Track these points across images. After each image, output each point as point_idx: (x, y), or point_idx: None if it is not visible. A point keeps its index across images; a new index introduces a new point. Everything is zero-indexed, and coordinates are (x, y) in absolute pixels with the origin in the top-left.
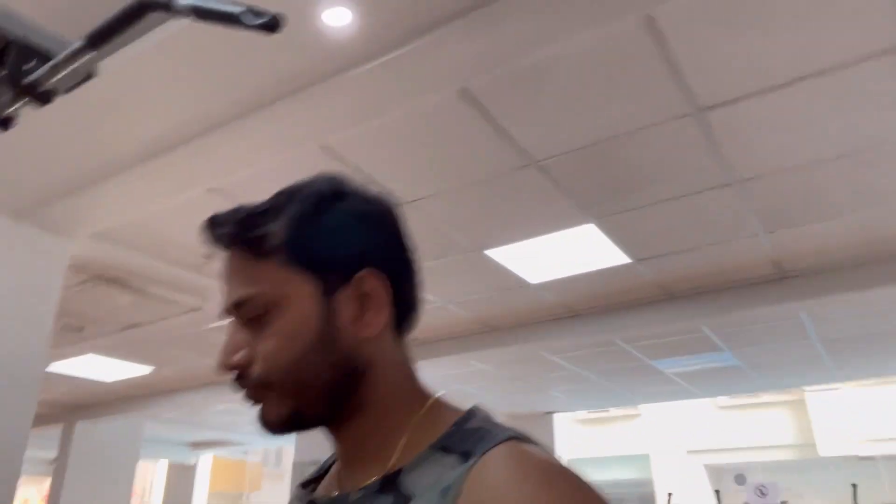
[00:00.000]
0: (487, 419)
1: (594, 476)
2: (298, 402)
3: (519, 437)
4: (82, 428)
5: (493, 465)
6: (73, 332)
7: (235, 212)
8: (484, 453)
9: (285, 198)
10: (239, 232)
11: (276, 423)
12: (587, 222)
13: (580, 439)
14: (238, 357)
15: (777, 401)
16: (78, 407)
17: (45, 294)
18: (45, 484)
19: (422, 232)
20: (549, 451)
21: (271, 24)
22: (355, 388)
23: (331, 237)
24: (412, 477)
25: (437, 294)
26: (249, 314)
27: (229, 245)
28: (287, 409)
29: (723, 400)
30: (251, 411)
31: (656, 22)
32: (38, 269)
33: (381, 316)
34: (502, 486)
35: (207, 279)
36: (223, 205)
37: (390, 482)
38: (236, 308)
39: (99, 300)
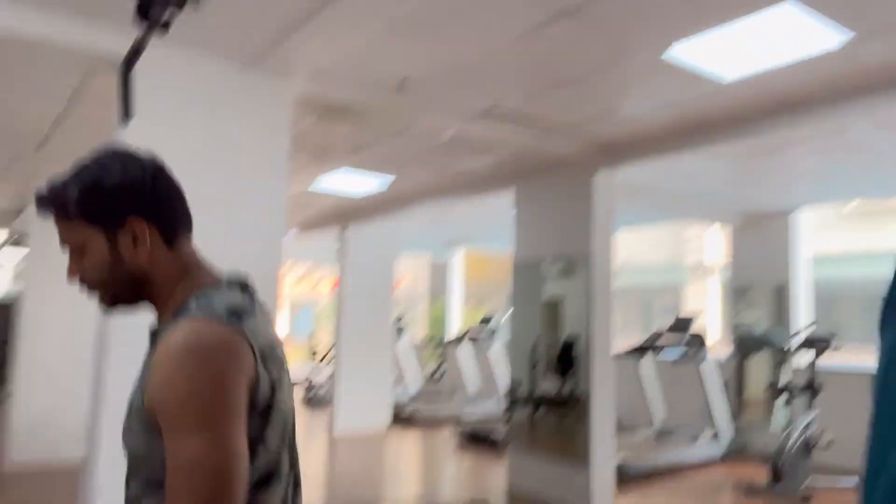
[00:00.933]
0: (209, 297)
1: (857, 272)
2: (113, 297)
3: (199, 317)
4: (352, 230)
5: (172, 333)
6: (314, 161)
7: (48, 189)
8: (177, 323)
9: (76, 172)
10: (51, 205)
11: (106, 308)
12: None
13: (843, 233)
14: (73, 277)
15: None
16: (344, 215)
17: (278, 130)
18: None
19: (600, 35)
20: (213, 329)
21: None
22: (143, 286)
23: (106, 200)
24: (164, 329)
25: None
26: (73, 253)
27: (50, 213)
28: (108, 300)
29: None
30: (494, 211)
31: None
32: (268, 109)
33: (146, 246)
34: (161, 348)
35: (407, 105)
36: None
37: (161, 329)
38: (66, 249)
39: (324, 131)
